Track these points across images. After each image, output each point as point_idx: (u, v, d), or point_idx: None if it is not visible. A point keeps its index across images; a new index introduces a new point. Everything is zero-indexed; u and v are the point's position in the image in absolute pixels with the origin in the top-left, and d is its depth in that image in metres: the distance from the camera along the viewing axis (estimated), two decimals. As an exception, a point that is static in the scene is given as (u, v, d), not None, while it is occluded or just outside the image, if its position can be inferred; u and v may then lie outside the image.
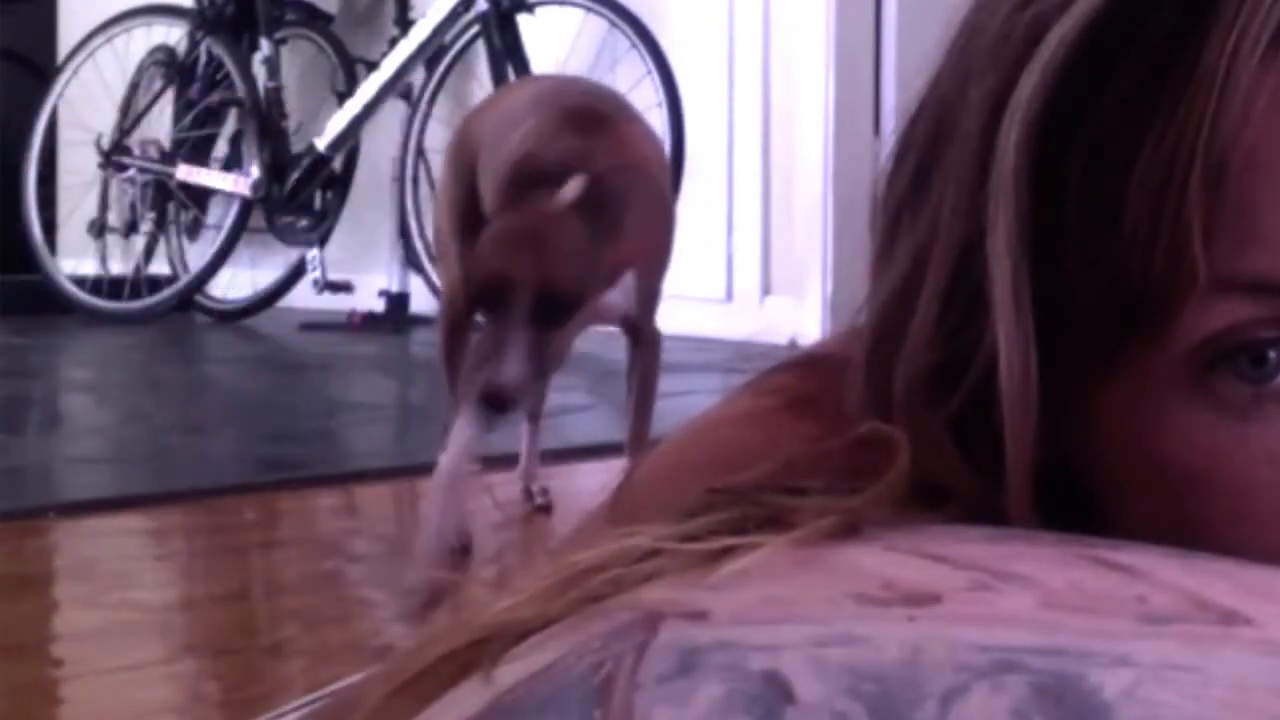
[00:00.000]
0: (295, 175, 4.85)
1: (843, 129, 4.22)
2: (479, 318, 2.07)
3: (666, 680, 0.35)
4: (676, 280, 4.37)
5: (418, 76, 4.62)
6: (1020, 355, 0.44)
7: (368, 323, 4.77)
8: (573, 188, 1.89)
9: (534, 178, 1.86)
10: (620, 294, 2.15)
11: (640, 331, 2.28)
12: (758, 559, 0.40)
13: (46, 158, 5.24)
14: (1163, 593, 0.37)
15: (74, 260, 5.15)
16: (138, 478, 2.07)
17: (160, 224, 5.19)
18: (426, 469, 1.98)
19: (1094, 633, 0.35)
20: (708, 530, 0.42)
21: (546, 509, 2.44)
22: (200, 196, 5.16)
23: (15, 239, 5.03)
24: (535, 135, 2.06)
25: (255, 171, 4.86)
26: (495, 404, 1.74)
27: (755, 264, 4.42)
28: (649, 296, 2.26)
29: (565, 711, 0.36)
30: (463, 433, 1.96)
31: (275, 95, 4.91)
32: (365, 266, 4.89)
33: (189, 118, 5.09)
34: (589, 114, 2.21)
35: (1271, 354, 0.42)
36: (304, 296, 4.91)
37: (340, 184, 4.87)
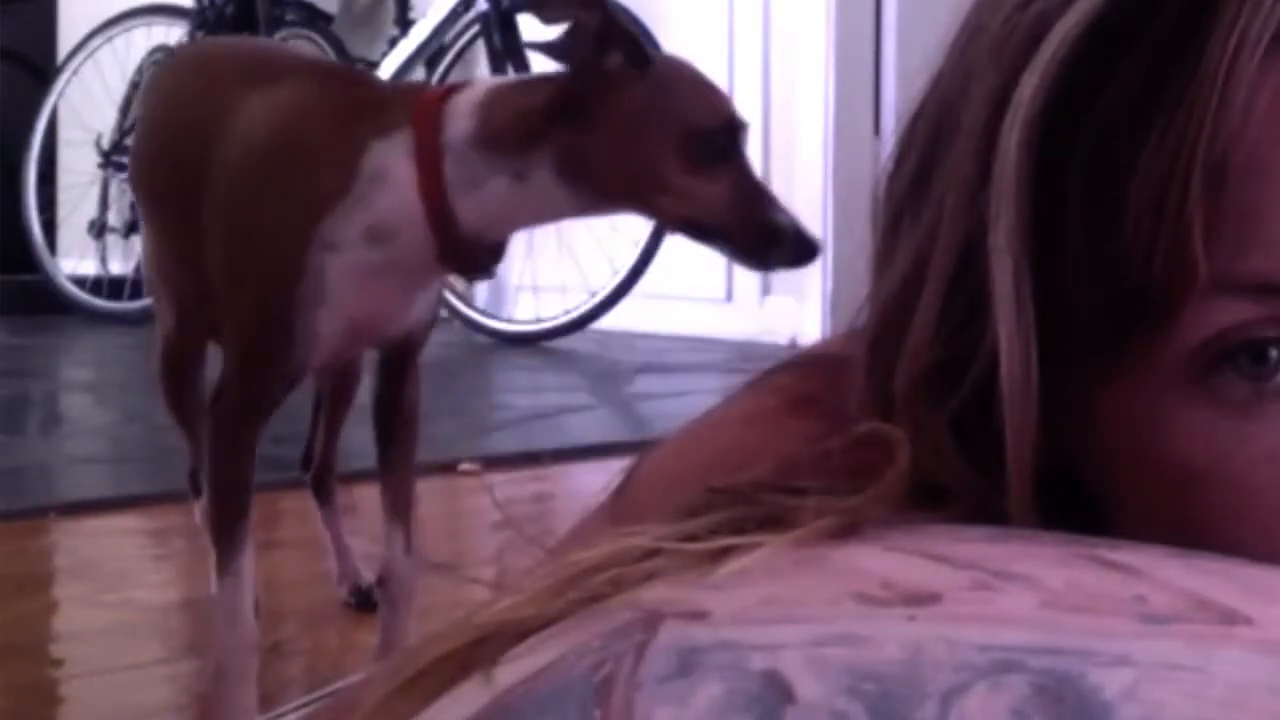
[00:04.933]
0: (296, 175, 4.84)
1: (843, 129, 4.22)
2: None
3: (666, 680, 0.35)
4: (676, 280, 4.39)
5: (418, 76, 4.61)
6: (1021, 354, 0.44)
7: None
8: None
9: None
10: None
11: (417, 350, 1.73)
12: (758, 559, 0.40)
13: (46, 158, 5.24)
14: (1163, 593, 0.37)
15: (74, 260, 5.15)
16: (138, 478, 2.08)
17: (160, 224, 5.18)
18: (426, 469, 1.98)
19: (1094, 632, 0.35)
20: (708, 530, 0.42)
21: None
22: (200, 196, 5.15)
23: (15, 239, 5.03)
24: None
25: (255, 171, 4.85)
26: (808, 247, 1.49)
27: (755, 264, 4.41)
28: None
29: (565, 711, 0.36)
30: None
31: (275, 95, 4.90)
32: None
33: (189, 118, 5.08)
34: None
35: (1273, 352, 0.42)
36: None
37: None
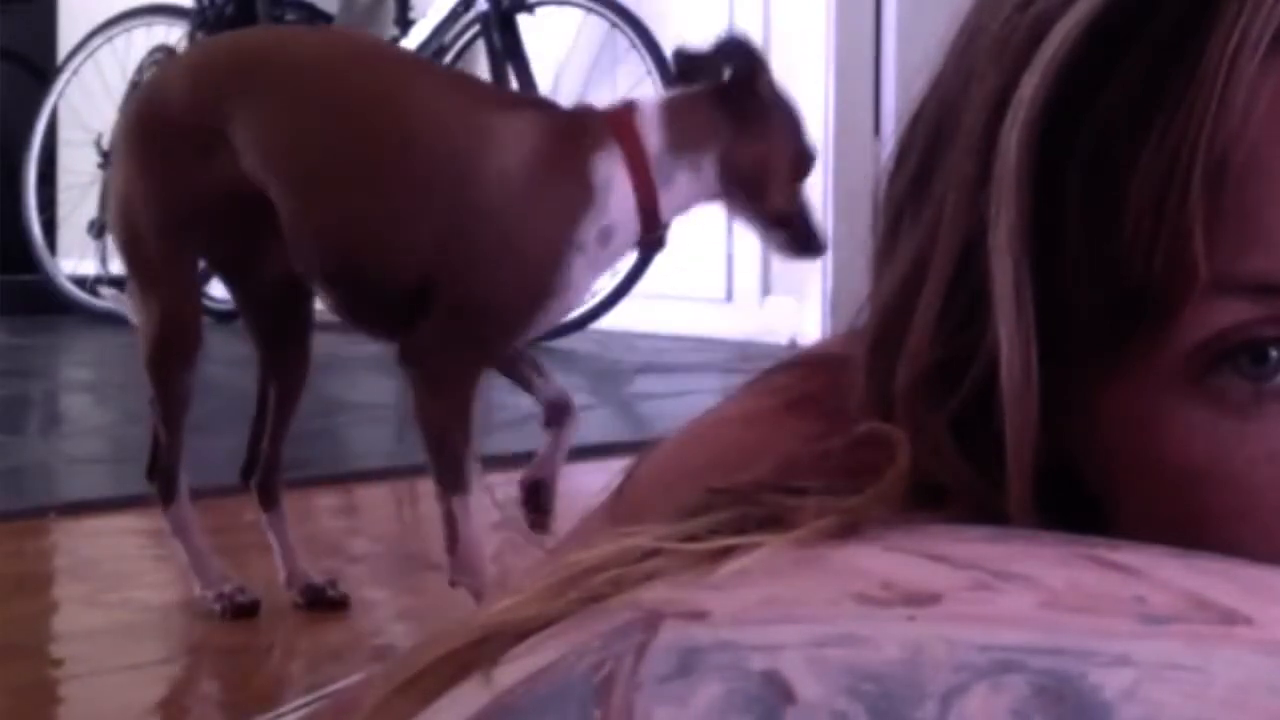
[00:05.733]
0: (296, 175, 4.83)
1: (843, 129, 4.22)
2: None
3: (666, 680, 0.35)
4: (676, 280, 4.38)
5: (418, 76, 4.60)
6: (1021, 354, 0.44)
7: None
8: None
9: None
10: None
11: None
12: (758, 559, 0.40)
13: (46, 158, 5.23)
14: (1163, 592, 0.37)
15: (74, 260, 5.15)
16: (138, 478, 2.08)
17: (160, 224, 5.18)
18: (426, 470, 1.98)
19: (1094, 632, 0.35)
20: (708, 530, 0.42)
21: (343, 602, 2.06)
22: (200, 196, 5.14)
23: (15, 239, 5.03)
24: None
25: (255, 171, 4.84)
26: (820, 246, 2.02)
27: (755, 264, 4.41)
28: None
29: (565, 711, 0.36)
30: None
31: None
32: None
33: (189, 118, 5.07)
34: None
35: (1273, 352, 0.42)
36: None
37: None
